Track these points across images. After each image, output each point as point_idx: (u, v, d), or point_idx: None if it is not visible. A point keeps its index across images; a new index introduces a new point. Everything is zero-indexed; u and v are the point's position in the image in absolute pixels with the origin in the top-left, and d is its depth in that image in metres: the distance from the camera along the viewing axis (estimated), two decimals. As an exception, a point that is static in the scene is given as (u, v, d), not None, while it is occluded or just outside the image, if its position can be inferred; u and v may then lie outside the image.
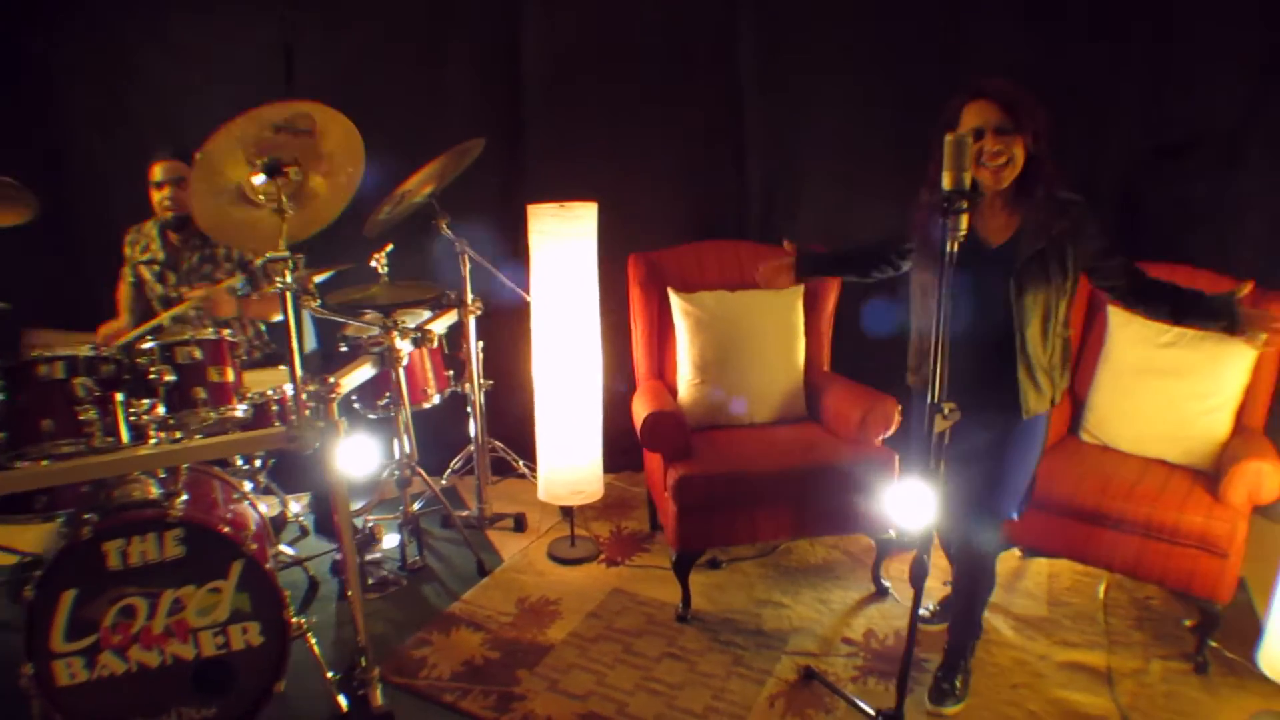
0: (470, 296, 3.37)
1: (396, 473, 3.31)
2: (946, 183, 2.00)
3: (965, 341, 2.20)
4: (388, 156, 2.84)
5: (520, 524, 3.64)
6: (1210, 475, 2.83)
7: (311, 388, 2.44)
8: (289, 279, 2.31)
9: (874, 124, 3.68)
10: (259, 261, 2.32)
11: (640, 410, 3.12)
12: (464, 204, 3.45)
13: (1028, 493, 2.47)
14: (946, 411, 2.09)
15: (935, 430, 2.10)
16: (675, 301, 3.34)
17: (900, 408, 3.07)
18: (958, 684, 2.57)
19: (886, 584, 3.14)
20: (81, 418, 2.39)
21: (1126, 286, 2.34)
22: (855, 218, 3.77)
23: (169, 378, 2.53)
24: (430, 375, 3.44)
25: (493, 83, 3.84)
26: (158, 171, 3.23)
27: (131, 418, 2.47)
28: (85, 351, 2.46)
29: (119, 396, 2.46)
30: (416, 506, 3.45)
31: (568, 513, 3.57)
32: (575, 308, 3.19)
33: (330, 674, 2.61)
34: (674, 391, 3.37)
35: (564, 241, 3.11)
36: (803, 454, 3.04)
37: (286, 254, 2.30)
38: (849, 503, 2.99)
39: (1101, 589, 3.11)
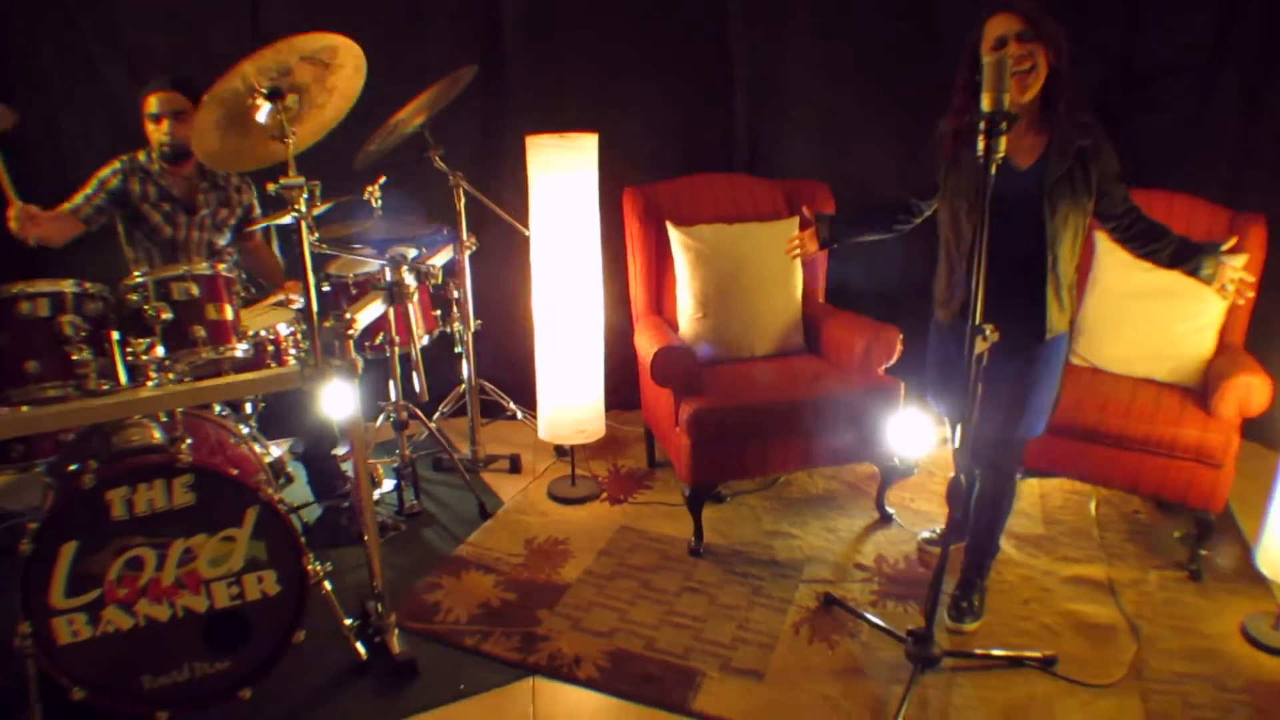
0: (465, 232, 3.27)
1: (393, 415, 3.22)
2: (986, 104, 2.00)
3: (998, 262, 2.25)
4: (369, 87, 2.72)
5: (515, 465, 3.60)
6: (1197, 392, 2.98)
7: (328, 324, 2.35)
8: (303, 207, 2.21)
9: (858, 59, 3.70)
10: (273, 188, 2.19)
11: (647, 346, 3.10)
12: (448, 137, 3.34)
13: (1053, 410, 2.56)
14: (987, 333, 2.14)
15: (975, 353, 2.15)
16: (675, 235, 3.31)
17: (901, 336, 3.13)
18: (975, 602, 2.67)
19: (890, 510, 3.23)
20: (74, 358, 2.25)
21: (1125, 219, 2.42)
22: (842, 150, 3.81)
23: (166, 315, 2.39)
24: (419, 315, 3.34)
25: (477, 7, 3.70)
26: (154, 103, 3.00)
27: (129, 358, 2.34)
28: (70, 288, 2.31)
29: (115, 335, 2.32)
30: (410, 450, 3.38)
31: (562, 452, 3.55)
32: (577, 242, 3.13)
33: (348, 621, 2.55)
34: (674, 326, 3.36)
35: (566, 173, 3.04)
36: (809, 385, 3.08)
37: (301, 180, 2.19)
38: (856, 432, 3.05)
39: (1093, 506, 3.26)
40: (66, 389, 2.26)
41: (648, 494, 3.46)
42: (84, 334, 2.29)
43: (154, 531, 2.23)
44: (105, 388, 2.28)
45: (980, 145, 2.02)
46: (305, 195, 2.20)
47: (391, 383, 3.18)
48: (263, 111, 2.21)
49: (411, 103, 2.91)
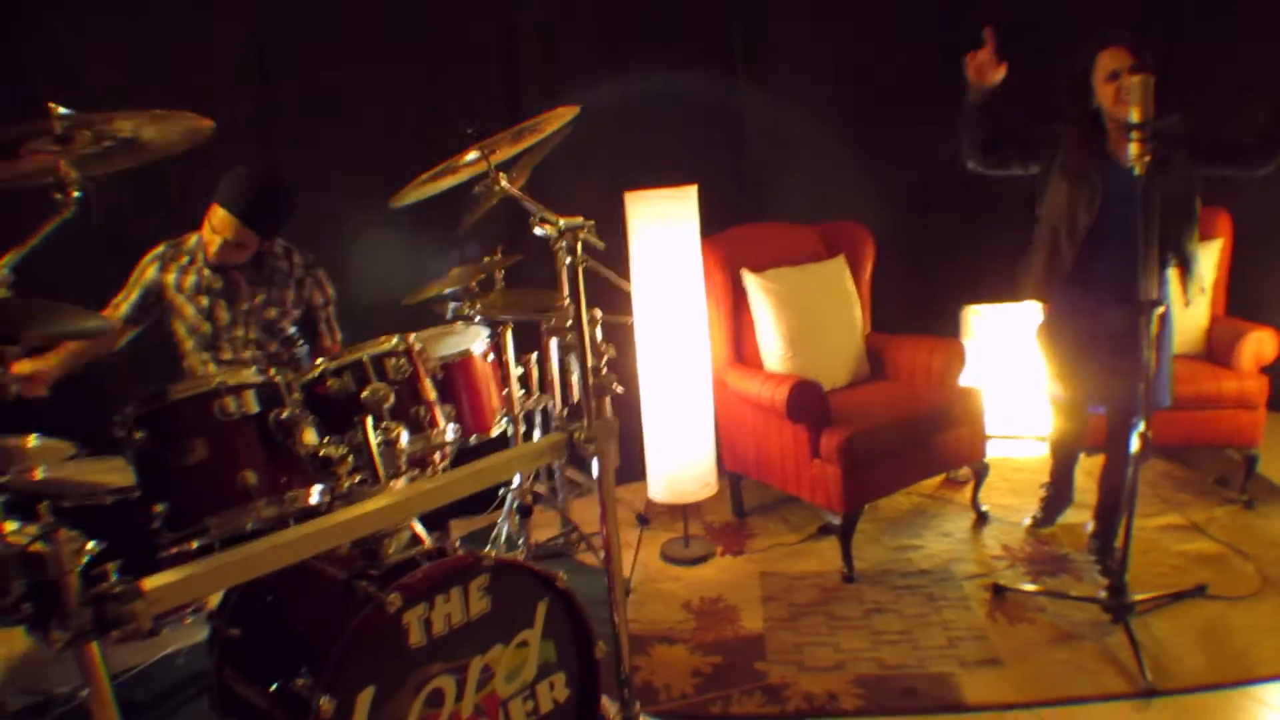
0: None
1: (516, 501, 3.18)
2: (1136, 116, 2.54)
3: (1119, 247, 2.80)
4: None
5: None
6: (1202, 356, 3.75)
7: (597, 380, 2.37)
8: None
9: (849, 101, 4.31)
10: (551, 228, 2.22)
11: (761, 387, 3.39)
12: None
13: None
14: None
15: (1151, 330, 2.66)
16: (753, 281, 3.60)
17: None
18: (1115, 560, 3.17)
19: (985, 508, 3.69)
20: (323, 455, 2.13)
21: (1236, 146, 2.89)
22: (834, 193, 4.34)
23: (389, 399, 2.29)
24: (496, 395, 3.32)
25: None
26: (227, 225, 2.84)
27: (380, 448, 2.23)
28: (277, 376, 2.19)
29: (369, 422, 2.21)
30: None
31: (645, 520, 3.67)
32: (682, 296, 3.32)
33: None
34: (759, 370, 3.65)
35: (669, 227, 3.23)
36: (910, 404, 3.48)
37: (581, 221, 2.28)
38: (954, 439, 3.50)
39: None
40: (302, 499, 2.15)
41: (760, 541, 3.66)
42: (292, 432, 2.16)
43: (451, 653, 2.06)
44: (359, 487, 2.17)
45: (1134, 150, 2.54)
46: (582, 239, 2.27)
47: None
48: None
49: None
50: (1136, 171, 2.54)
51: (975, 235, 4.33)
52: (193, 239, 2.96)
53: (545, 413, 3.63)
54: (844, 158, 4.30)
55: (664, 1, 4.11)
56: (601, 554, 2.38)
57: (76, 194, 1.97)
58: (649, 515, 3.76)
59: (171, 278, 2.95)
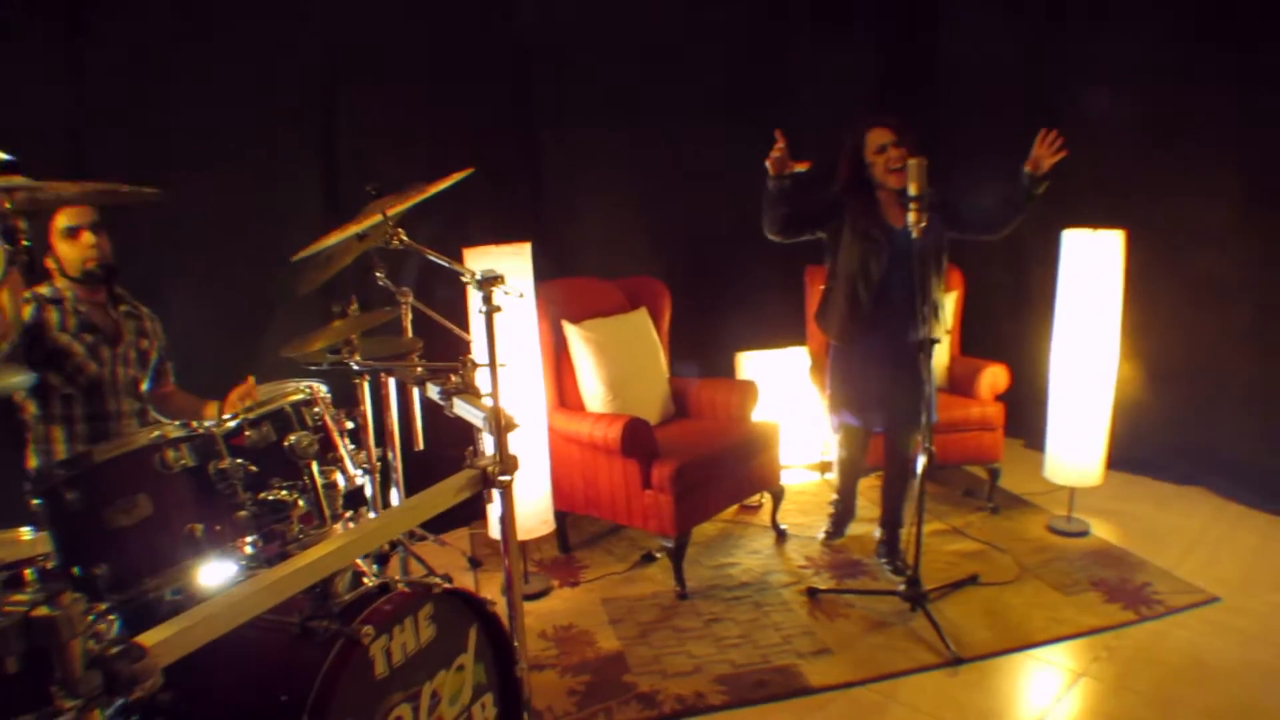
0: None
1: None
2: (913, 189, 3.25)
3: (897, 294, 3.52)
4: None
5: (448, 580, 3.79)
6: (946, 389, 4.64)
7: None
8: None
9: (642, 165, 4.83)
10: (471, 279, 2.44)
11: (593, 428, 3.77)
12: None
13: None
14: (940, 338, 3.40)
15: (931, 362, 3.38)
16: (574, 331, 3.96)
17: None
18: (901, 560, 3.87)
19: (783, 527, 4.28)
20: (278, 498, 2.26)
21: (976, 217, 3.63)
22: (624, 250, 4.83)
23: (316, 446, 2.41)
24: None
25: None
26: (69, 216, 2.72)
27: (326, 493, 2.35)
28: (214, 426, 2.27)
29: (315, 466, 2.32)
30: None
31: (476, 563, 3.89)
32: (520, 345, 3.61)
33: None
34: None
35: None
36: (720, 438, 3.99)
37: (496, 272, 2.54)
38: (759, 466, 4.07)
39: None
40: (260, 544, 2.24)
41: (591, 572, 3.99)
42: (240, 480, 2.26)
43: (408, 681, 2.19)
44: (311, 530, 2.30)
45: (912, 218, 3.24)
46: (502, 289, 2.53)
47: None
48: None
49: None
50: (914, 235, 3.25)
51: (744, 291, 5.04)
52: (45, 287, 2.81)
53: (385, 465, 3.74)
54: (633, 218, 4.83)
55: (472, 66, 4.43)
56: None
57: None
58: (479, 558, 3.98)
59: (53, 318, 2.78)
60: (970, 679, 3.12)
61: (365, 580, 2.37)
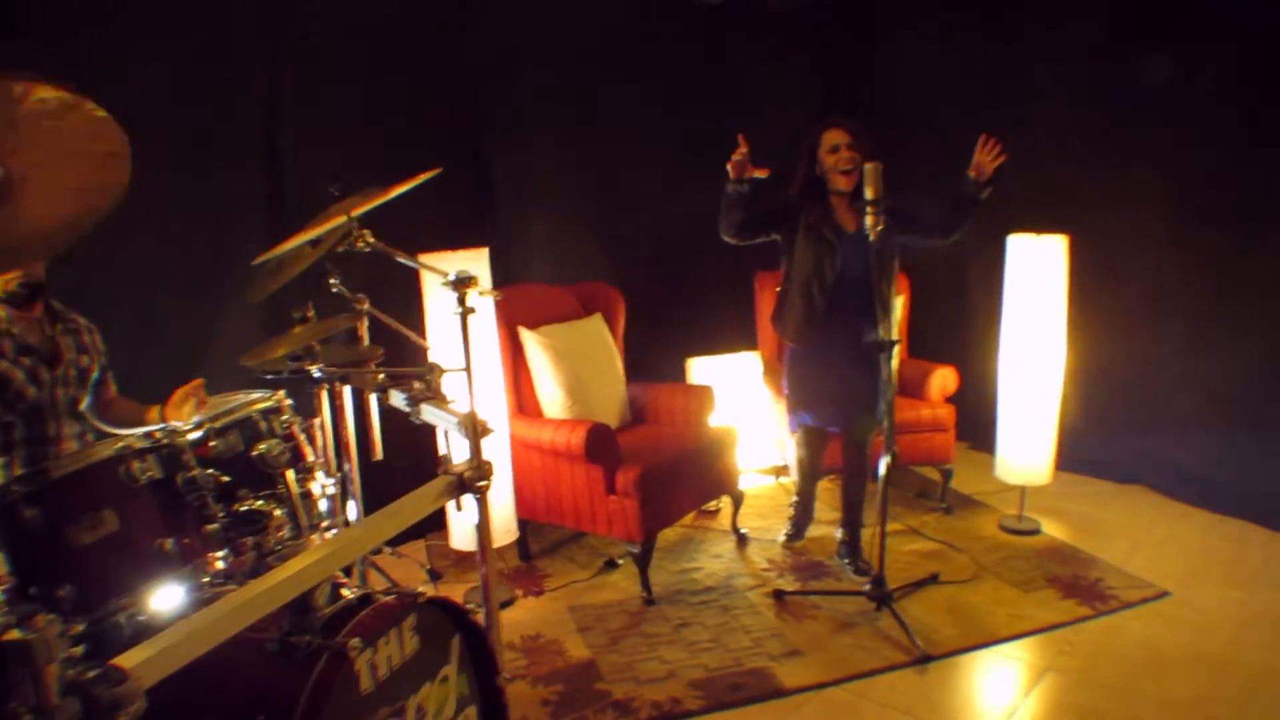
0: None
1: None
2: (869, 194, 3.32)
3: (851, 295, 3.59)
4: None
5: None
6: (896, 391, 4.71)
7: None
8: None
9: (593, 171, 4.84)
10: (445, 281, 2.41)
11: (555, 434, 3.74)
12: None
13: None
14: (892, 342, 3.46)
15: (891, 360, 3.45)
16: (530, 337, 3.93)
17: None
18: (863, 560, 3.93)
19: (744, 531, 4.30)
20: (254, 507, 2.21)
21: (929, 218, 3.72)
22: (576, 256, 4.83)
23: (287, 455, 2.37)
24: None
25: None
26: None
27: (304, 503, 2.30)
28: (182, 438, 2.21)
29: (290, 475, 2.26)
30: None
31: (436, 575, 3.82)
32: (479, 353, 3.55)
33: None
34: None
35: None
36: (680, 443, 4.01)
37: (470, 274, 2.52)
38: (718, 470, 4.10)
39: (839, 492, 4.81)
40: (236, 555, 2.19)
41: (555, 580, 3.95)
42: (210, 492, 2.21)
43: (393, 695, 2.15)
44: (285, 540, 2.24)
45: (869, 221, 3.31)
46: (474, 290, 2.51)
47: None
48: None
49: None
50: (871, 238, 3.31)
51: (695, 297, 5.08)
52: None
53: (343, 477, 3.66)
54: (584, 223, 4.82)
55: (419, 71, 4.38)
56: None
57: None
58: (438, 570, 3.92)
59: None
60: (940, 676, 3.18)
61: (344, 592, 2.31)
